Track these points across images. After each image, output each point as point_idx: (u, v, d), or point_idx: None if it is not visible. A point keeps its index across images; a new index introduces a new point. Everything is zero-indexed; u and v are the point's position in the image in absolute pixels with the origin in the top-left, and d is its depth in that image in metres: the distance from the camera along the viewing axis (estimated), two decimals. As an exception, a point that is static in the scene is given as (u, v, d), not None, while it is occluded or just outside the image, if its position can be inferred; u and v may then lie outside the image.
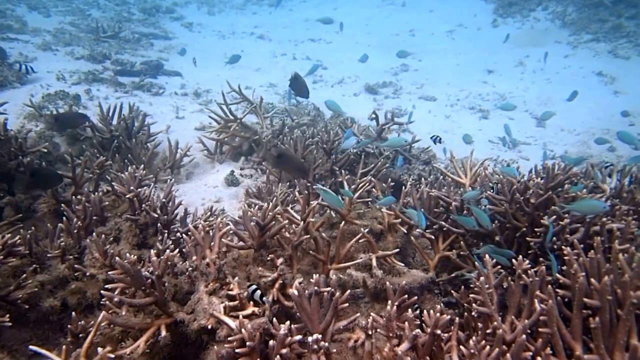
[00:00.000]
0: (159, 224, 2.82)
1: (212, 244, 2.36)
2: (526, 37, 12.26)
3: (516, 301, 2.01)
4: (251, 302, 2.11)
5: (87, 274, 2.38)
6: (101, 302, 2.20)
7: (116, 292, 2.06)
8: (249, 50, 10.85)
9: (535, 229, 2.53)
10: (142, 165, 3.43)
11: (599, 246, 2.03)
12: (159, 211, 2.85)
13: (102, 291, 1.98)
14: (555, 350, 1.79)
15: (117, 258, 1.92)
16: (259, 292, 2.12)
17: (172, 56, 9.88)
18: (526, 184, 2.64)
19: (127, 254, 1.89)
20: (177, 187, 4.50)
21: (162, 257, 2.04)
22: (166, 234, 2.75)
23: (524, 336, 1.67)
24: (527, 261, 2.09)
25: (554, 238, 2.40)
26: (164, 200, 2.98)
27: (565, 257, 2.08)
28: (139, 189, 2.89)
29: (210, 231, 2.39)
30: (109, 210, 2.96)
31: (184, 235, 2.58)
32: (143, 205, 2.82)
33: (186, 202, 4.14)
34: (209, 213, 3.36)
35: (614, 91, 9.20)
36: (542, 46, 11.72)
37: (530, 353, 1.71)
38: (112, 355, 1.78)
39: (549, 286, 1.91)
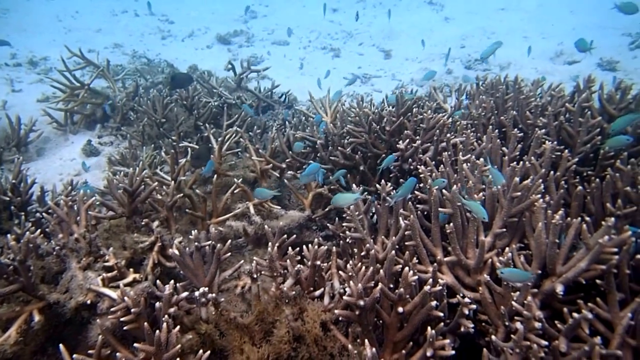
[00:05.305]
0: (12, 207, 2.57)
1: (79, 218, 2.22)
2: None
3: (384, 222, 2.20)
4: (131, 270, 2.05)
5: None
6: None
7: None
8: (84, 11, 9.80)
9: (394, 154, 2.74)
10: (-21, 147, 3.03)
11: (447, 160, 2.27)
12: (9, 193, 2.59)
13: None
14: (421, 259, 2.01)
15: (-34, 250, 1.73)
16: None
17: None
18: (380, 113, 2.83)
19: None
20: (29, 166, 4.10)
21: (22, 241, 1.88)
22: (23, 216, 2.52)
23: (393, 252, 1.84)
24: (390, 184, 2.28)
25: (410, 159, 2.64)
26: (13, 181, 2.70)
27: (421, 175, 2.31)
28: (-20, 174, 2.57)
29: (74, 205, 2.24)
30: (-55, 202, 2.61)
31: (44, 214, 2.38)
32: (-12, 191, 2.53)
33: (42, 179, 3.82)
34: (70, 187, 3.12)
35: (445, 17, 10.00)
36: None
37: (400, 265, 1.89)
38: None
39: (410, 203, 2.12)
